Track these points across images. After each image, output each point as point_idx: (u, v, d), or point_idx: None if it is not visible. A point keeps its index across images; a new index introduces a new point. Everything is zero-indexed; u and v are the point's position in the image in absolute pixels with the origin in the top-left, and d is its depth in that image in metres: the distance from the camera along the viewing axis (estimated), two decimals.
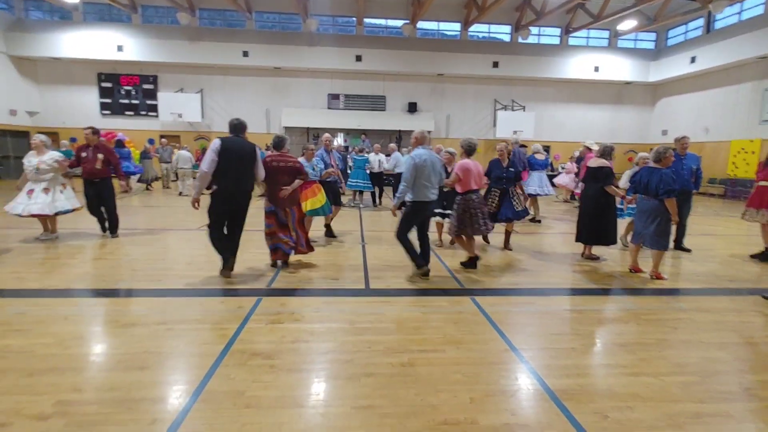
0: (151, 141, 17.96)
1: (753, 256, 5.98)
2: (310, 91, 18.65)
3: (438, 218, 6.24)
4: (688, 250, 6.35)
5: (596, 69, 18.60)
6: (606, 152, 5.66)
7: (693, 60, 16.66)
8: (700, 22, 17.08)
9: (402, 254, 5.71)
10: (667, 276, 5.02)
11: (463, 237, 5.24)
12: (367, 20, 18.28)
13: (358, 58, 17.79)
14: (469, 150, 5.22)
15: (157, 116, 17.91)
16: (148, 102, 18.10)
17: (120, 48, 16.97)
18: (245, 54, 17.45)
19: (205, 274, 4.64)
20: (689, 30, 17.82)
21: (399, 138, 18.47)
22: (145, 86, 18.05)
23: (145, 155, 13.91)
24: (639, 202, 5.09)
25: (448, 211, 5.92)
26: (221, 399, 2.34)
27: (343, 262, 5.36)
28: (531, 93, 19.25)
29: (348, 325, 3.39)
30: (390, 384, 2.53)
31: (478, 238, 6.34)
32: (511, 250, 6.19)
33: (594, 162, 5.65)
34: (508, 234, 6.35)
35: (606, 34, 19.06)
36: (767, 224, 5.84)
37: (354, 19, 18.20)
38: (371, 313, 3.66)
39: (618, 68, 18.76)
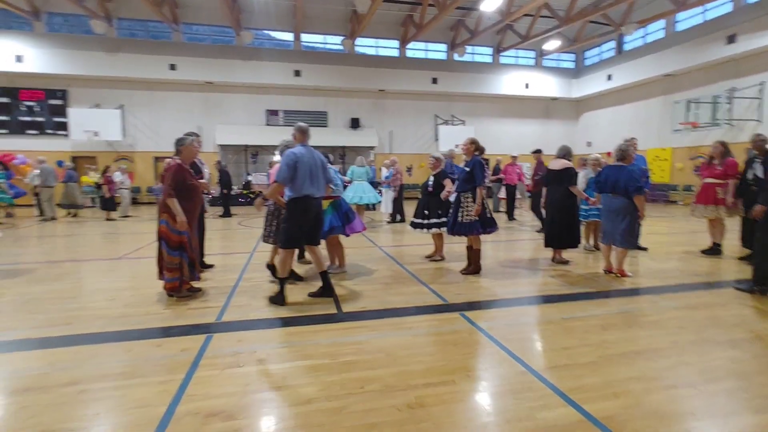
0: (60, 163, 15.81)
1: (704, 252, 6.21)
2: (247, 107, 17.64)
3: (435, 229, 5.59)
4: (645, 249, 6.48)
5: (527, 86, 19.72)
6: (567, 153, 5.61)
7: (609, 77, 18.26)
8: (612, 44, 18.85)
9: (370, 270, 5.19)
10: (631, 273, 4.95)
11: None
12: (304, 36, 17.81)
13: (297, 73, 17.20)
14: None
15: (67, 135, 15.77)
16: (56, 119, 15.93)
17: (19, 59, 14.84)
18: (173, 67, 16.12)
19: (134, 311, 3.70)
20: (603, 51, 19.60)
21: (343, 154, 18.00)
22: (52, 101, 15.90)
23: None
24: (605, 202, 5.01)
25: (441, 220, 5.48)
26: None
27: (301, 284, 4.64)
28: (469, 108, 19.86)
29: (328, 360, 2.73)
30: None
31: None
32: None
33: (557, 164, 5.55)
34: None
35: (533, 54, 20.35)
36: (715, 220, 6.11)
37: (292, 33, 17.65)
38: (352, 342, 3.03)
39: (545, 85, 20.06)
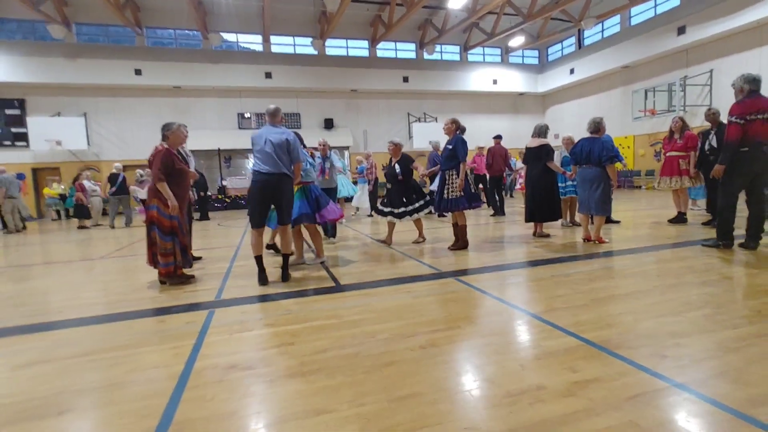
0: (20, 176, 15.09)
1: (670, 221, 6.62)
2: (218, 111, 17.36)
3: (416, 215, 5.62)
4: (617, 222, 6.84)
5: (494, 82, 20.30)
6: (542, 131, 5.88)
7: (572, 71, 19.06)
8: (573, 39, 19.70)
9: (361, 252, 5.30)
10: (608, 240, 5.25)
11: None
12: (274, 38, 17.72)
13: (268, 75, 17.09)
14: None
15: (27, 146, 15.05)
16: (14, 130, 15.19)
17: None
18: (138, 72, 15.70)
19: (124, 298, 3.64)
20: (565, 47, 20.44)
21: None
22: (9, 111, 15.15)
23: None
24: (580, 173, 5.30)
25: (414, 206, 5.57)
26: (204, 427, 1.62)
27: (294, 266, 4.67)
28: (440, 105, 20.24)
29: (335, 320, 2.80)
30: (420, 369, 2.03)
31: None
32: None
33: (534, 142, 5.81)
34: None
35: (499, 51, 20.99)
36: (678, 190, 6.53)
37: (260, 36, 17.53)
38: (355, 306, 3.11)
39: (512, 81, 20.72)
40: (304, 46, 18.12)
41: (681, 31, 14.24)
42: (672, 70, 15.19)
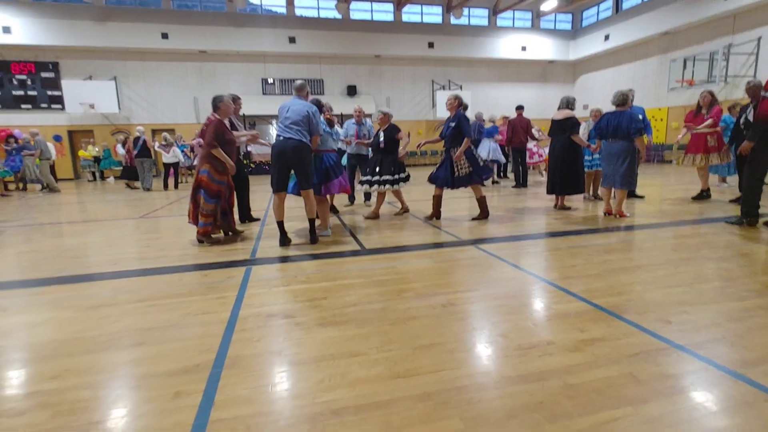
0: (57, 137, 15.76)
1: (694, 198, 6.54)
2: (242, 77, 17.46)
3: (377, 187, 5.44)
4: (642, 197, 6.80)
5: (523, 48, 19.57)
6: (569, 103, 5.82)
7: (607, 38, 18.15)
8: (610, 3, 18.63)
9: (386, 214, 5.45)
10: (629, 214, 5.29)
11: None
12: (298, 1, 17.42)
13: (292, 40, 16.95)
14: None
15: (62, 108, 15.62)
16: (50, 93, 15.72)
17: (6, 30, 14.49)
18: (164, 36, 15.82)
19: (169, 254, 3.98)
20: (601, 11, 19.36)
21: (341, 122, 17.97)
22: (44, 74, 15.63)
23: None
24: (606, 147, 5.27)
25: (385, 178, 5.39)
26: (254, 363, 1.90)
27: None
28: (466, 73, 19.75)
29: (363, 279, 3.05)
30: (441, 323, 2.26)
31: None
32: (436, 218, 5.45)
33: (559, 114, 5.77)
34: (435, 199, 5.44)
35: (529, 15, 20.08)
36: (703, 167, 6.41)
37: None
38: (382, 268, 3.35)
39: (542, 48, 19.91)
40: (328, 9, 17.78)
41: None
42: (715, 37, 14.31)
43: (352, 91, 18.29)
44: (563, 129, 5.69)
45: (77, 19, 15.08)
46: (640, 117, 6.64)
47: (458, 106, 5.19)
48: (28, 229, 5.57)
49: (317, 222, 4.61)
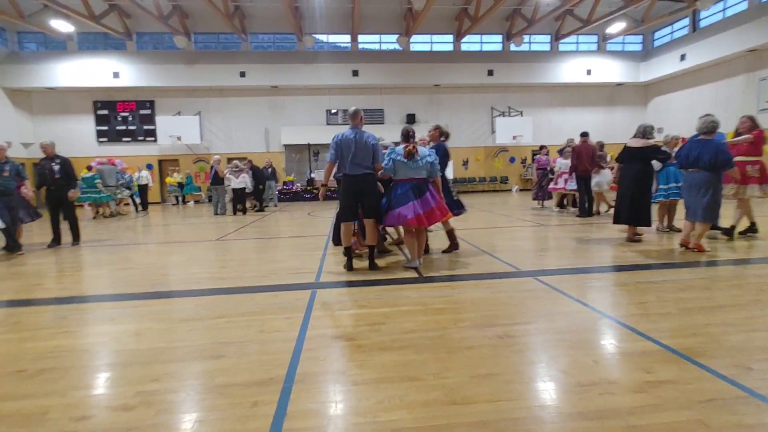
0: (149, 166, 17.76)
1: (741, 233, 5.85)
2: (309, 108, 18.67)
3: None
4: (727, 231, 6.22)
5: (588, 72, 18.97)
6: (647, 131, 5.59)
7: (683, 58, 17.08)
8: (686, 21, 17.61)
9: (440, 245, 5.47)
10: (709, 248, 4.87)
11: None
12: (361, 37, 18.51)
13: (355, 73, 17.92)
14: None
15: (155, 140, 17.71)
16: (146, 127, 17.92)
17: (116, 75, 16.90)
18: (242, 74, 17.49)
19: (243, 275, 4.37)
20: (675, 30, 18.35)
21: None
22: (142, 112, 17.90)
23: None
24: (687, 177, 4.96)
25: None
26: (321, 380, 2.08)
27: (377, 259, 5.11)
28: (527, 99, 19.50)
29: (421, 307, 3.15)
30: (497, 354, 2.29)
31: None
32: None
33: (635, 142, 5.58)
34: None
35: (595, 38, 19.53)
36: (742, 200, 5.77)
37: (349, 35, 18.42)
38: (439, 296, 3.43)
39: (609, 70, 19.16)
40: (389, 43, 18.65)
41: None
42: None
43: (411, 119, 18.77)
44: (638, 158, 5.46)
45: (170, 63, 17.22)
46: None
47: (439, 136, 5.13)
48: (124, 248, 6.37)
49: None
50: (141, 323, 2.98)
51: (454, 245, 5.25)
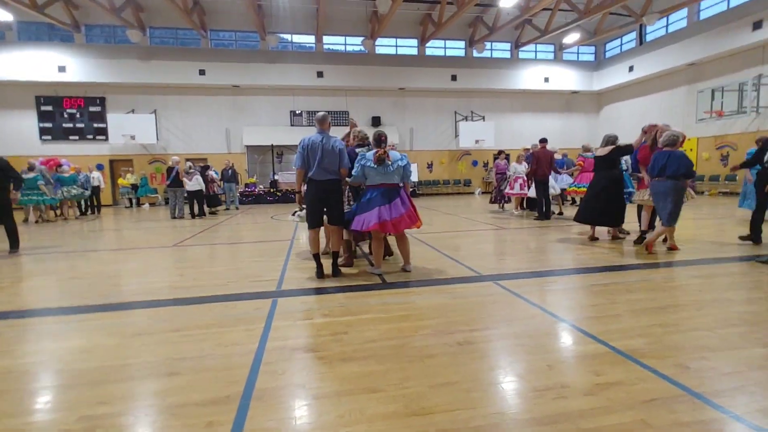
0: (99, 166, 16.76)
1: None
2: (272, 109, 18.31)
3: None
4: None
5: (546, 80, 19.79)
6: (611, 140, 5.97)
7: (631, 69, 18.17)
8: (634, 35, 18.75)
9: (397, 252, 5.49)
10: (655, 251, 5.21)
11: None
12: (326, 38, 18.37)
13: (320, 74, 17.76)
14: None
15: (106, 139, 16.75)
16: (96, 125, 16.92)
17: (62, 69, 15.86)
18: (202, 72, 16.91)
19: (201, 284, 4.21)
20: (624, 43, 19.49)
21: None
22: (92, 108, 16.89)
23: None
24: (653, 185, 5.26)
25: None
26: (280, 395, 2.03)
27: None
28: (489, 104, 20.06)
29: (383, 314, 3.15)
30: (457, 362, 2.33)
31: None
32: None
33: (603, 150, 5.95)
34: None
35: (552, 48, 20.40)
36: None
37: (314, 36, 18.23)
38: (401, 303, 3.45)
39: (565, 79, 20.08)
40: (354, 45, 18.63)
41: (757, 25, 13.21)
42: (744, 68, 14.14)
43: (376, 121, 18.83)
44: (610, 162, 5.85)
45: (124, 58, 16.35)
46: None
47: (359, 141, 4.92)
48: (71, 255, 5.97)
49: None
50: (89, 339, 2.80)
51: (349, 259, 4.82)
